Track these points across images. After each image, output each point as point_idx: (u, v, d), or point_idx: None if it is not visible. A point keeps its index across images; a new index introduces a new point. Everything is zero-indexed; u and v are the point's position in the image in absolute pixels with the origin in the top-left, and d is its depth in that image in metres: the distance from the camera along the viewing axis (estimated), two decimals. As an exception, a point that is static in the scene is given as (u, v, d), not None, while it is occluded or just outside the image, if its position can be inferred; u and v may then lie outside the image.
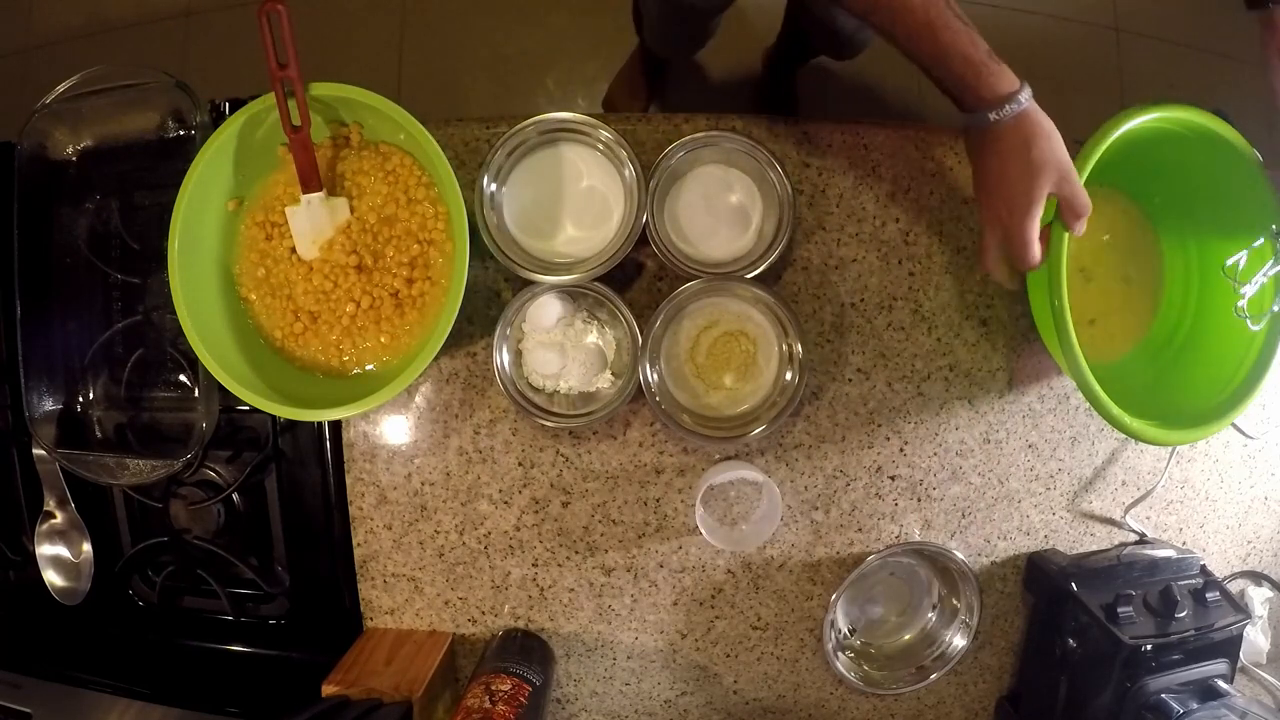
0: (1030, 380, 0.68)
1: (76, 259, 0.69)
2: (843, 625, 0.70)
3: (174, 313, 0.55)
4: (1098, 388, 0.56)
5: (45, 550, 0.70)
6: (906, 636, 0.72)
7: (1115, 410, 0.56)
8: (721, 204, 0.62)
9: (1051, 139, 0.51)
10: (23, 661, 0.72)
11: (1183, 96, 0.59)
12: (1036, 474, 0.69)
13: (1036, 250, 0.53)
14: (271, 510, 0.71)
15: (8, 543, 0.73)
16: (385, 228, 0.58)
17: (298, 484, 0.70)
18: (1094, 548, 0.71)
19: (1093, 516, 0.71)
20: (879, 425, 0.67)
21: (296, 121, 0.54)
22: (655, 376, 0.59)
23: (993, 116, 0.51)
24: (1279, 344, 0.61)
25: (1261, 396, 0.61)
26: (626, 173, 0.60)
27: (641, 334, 0.58)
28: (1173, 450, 0.70)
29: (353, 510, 0.68)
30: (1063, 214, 0.54)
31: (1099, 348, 0.67)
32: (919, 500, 0.68)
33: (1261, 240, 0.61)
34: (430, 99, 1.48)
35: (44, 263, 0.68)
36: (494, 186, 0.60)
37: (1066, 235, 0.54)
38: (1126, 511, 0.71)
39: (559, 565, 0.67)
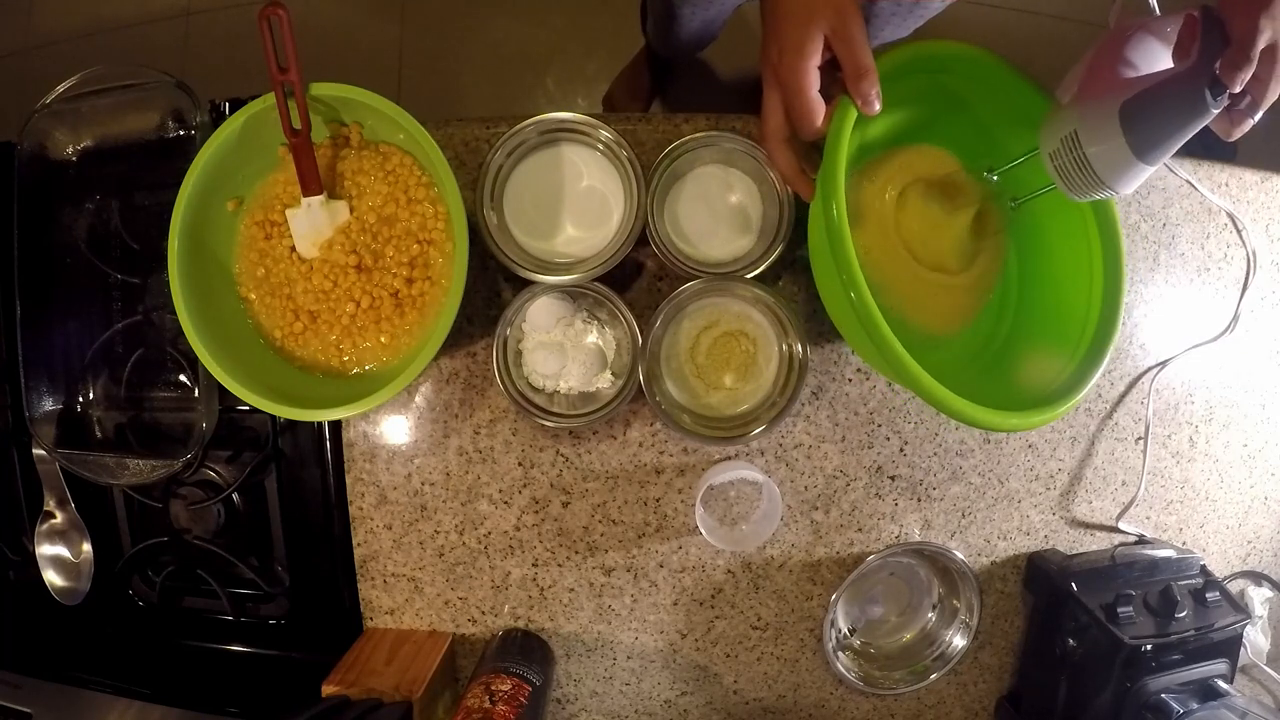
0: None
1: (76, 259, 0.69)
2: (843, 625, 0.70)
3: (174, 313, 0.55)
4: (880, 318, 0.47)
5: (45, 550, 0.70)
6: (906, 636, 0.72)
7: (915, 367, 0.48)
8: (721, 204, 0.62)
9: None
10: (23, 661, 0.72)
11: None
12: (1036, 474, 0.69)
13: (815, 105, 0.48)
14: (271, 510, 0.71)
15: (8, 543, 0.73)
16: (385, 228, 0.58)
17: (298, 484, 0.70)
18: (1094, 548, 0.71)
19: (1092, 516, 0.71)
20: (879, 425, 0.67)
21: (297, 124, 0.54)
22: (655, 376, 0.59)
23: None
24: (1117, 314, 0.56)
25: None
26: (626, 173, 0.59)
27: (641, 334, 0.58)
28: (1145, 451, 0.70)
29: (353, 510, 0.68)
30: (845, 81, 0.48)
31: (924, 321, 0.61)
32: (919, 500, 0.68)
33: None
34: (430, 99, 1.48)
35: (44, 263, 0.68)
36: (494, 186, 0.60)
37: (852, 110, 0.48)
38: (1118, 519, 0.71)
39: (559, 565, 0.67)
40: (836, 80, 0.50)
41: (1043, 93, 0.54)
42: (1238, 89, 0.41)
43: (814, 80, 0.48)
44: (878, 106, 0.48)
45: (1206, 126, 0.44)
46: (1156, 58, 0.47)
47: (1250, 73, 0.41)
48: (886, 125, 0.57)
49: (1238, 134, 0.45)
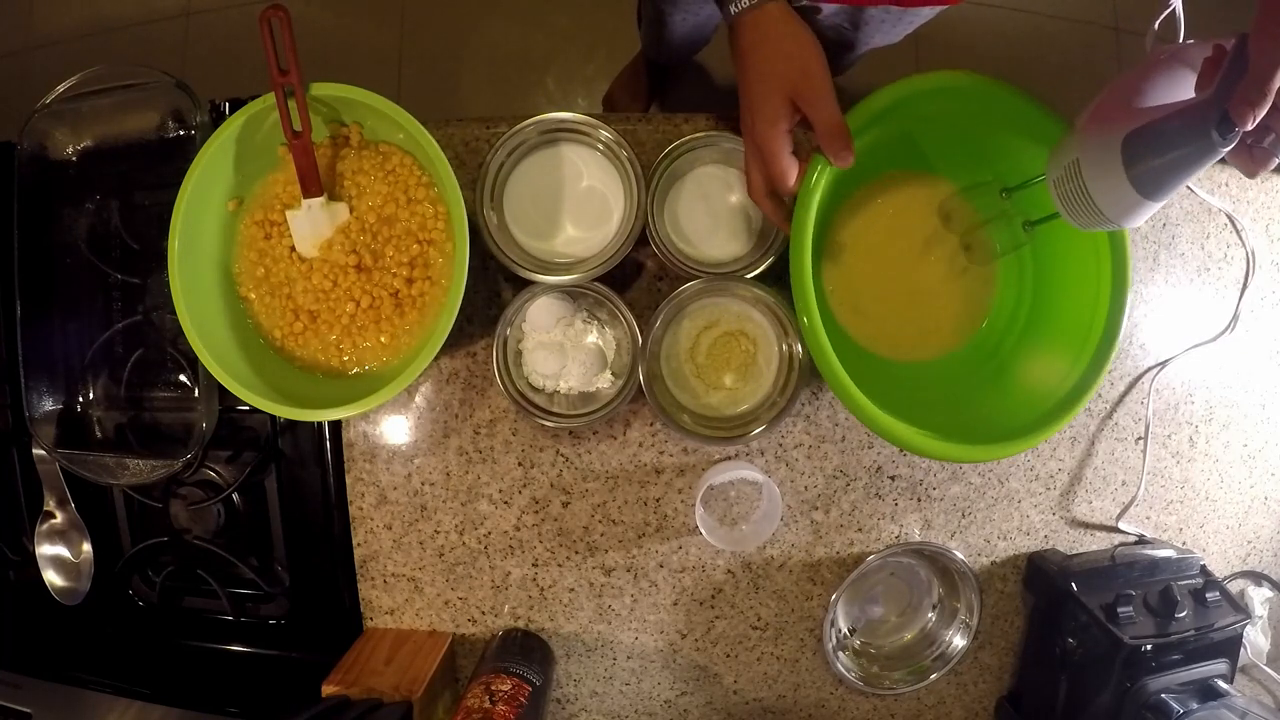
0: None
1: (76, 259, 0.69)
2: (843, 625, 0.70)
3: (174, 313, 0.55)
4: (829, 349, 0.50)
5: (45, 550, 0.70)
6: (906, 636, 0.72)
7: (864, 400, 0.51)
8: (721, 204, 0.62)
9: (794, 45, 0.48)
10: (23, 661, 0.72)
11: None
12: (1036, 474, 0.69)
13: (787, 168, 0.50)
14: (271, 510, 0.71)
15: (8, 543, 0.73)
16: (385, 227, 0.58)
17: (298, 484, 0.70)
18: (1094, 548, 0.71)
19: (1092, 516, 0.71)
20: (879, 425, 0.67)
21: (297, 126, 0.54)
22: (655, 376, 0.59)
23: (733, 9, 0.49)
24: (1119, 329, 0.56)
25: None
26: (626, 173, 0.60)
27: (641, 334, 0.58)
28: (1145, 451, 0.70)
29: (353, 510, 0.68)
30: (817, 138, 0.50)
31: (916, 344, 0.63)
32: (919, 500, 0.68)
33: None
34: (430, 99, 1.48)
35: (44, 263, 0.68)
36: (494, 186, 0.60)
37: (824, 166, 0.50)
38: (1118, 519, 0.71)
39: (559, 565, 0.67)
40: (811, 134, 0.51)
41: (1045, 109, 0.54)
42: (1249, 126, 0.37)
43: (784, 145, 0.50)
44: (850, 160, 0.49)
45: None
46: (1182, 88, 0.44)
47: (1265, 109, 0.37)
48: (878, 156, 0.57)
49: (1260, 173, 0.42)
